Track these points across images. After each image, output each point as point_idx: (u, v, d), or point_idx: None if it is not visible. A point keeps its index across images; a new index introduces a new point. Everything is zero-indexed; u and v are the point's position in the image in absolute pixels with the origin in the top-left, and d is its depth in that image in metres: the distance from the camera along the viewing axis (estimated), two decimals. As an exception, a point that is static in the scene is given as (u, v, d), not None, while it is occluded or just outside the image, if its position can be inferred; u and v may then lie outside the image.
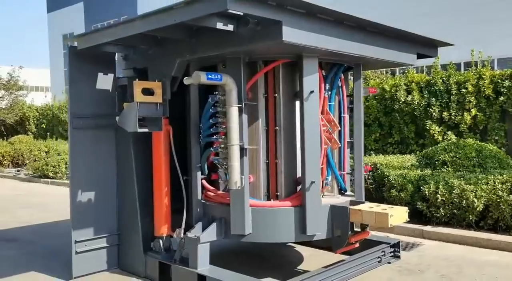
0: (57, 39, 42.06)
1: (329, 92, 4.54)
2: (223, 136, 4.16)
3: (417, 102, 9.51)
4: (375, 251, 4.94)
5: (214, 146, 4.26)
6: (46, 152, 15.39)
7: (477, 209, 6.04)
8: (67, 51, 4.64)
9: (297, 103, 4.37)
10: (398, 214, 4.10)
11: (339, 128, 4.57)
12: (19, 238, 6.58)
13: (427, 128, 9.43)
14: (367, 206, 4.27)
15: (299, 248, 5.66)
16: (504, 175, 6.26)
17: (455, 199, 6.20)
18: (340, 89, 4.68)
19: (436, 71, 9.60)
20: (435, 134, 9.36)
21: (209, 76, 3.82)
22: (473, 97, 9.14)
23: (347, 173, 4.77)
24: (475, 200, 6.02)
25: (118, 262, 4.99)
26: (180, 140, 4.76)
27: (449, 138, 9.15)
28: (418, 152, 9.09)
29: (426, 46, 5.11)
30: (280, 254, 5.49)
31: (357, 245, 4.53)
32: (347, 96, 4.78)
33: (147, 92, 4.36)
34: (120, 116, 4.42)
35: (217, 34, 3.88)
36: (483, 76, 9.12)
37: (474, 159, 6.98)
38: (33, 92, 30.38)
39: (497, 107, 9.04)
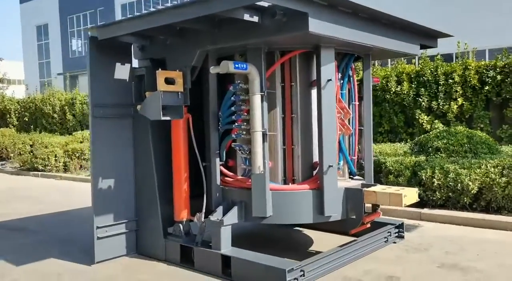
0: (30, 31, 41.13)
1: (341, 81, 4.78)
2: (245, 123, 4.35)
3: (407, 92, 9.86)
4: (382, 232, 5.23)
5: (236, 133, 4.44)
6: (31, 145, 15.21)
7: (472, 191, 6.41)
8: (88, 41, 4.73)
9: (313, 92, 4.59)
10: (411, 195, 4.39)
11: (351, 115, 4.82)
12: (26, 228, 6.63)
13: (416, 117, 9.80)
14: (380, 188, 4.54)
15: (306, 231, 5.91)
16: (495, 160, 6.65)
17: (450, 183, 6.56)
18: (351, 78, 4.92)
19: (425, 62, 9.96)
20: (423, 123, 9.74)
21: (236, 66, 4.00)
22: (459, 87, 9.54)
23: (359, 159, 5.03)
24: (470, 183, 6.39)
25: (136, 247, 5.14)
26: (196, 128, 4.92)
27: (436, 126, 9.54)
28: (408, 140, 9.46)
29: (428, 37, 5.39)
30: (290, 237, 5.73)
31: (368, 225, 4.80)
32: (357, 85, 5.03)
33: (168, 81, 4.50)
34: (143, 105, 4.55)
35: (240, 25, 4.06)
36: (469, 67, 9.52)
37: (466, 145, 7.35)
38: (14, 85, 29.63)
39: (482, 97, 9.46)
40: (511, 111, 9.20)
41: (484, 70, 9.41)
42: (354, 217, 4.59)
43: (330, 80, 4.34)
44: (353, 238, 5.00)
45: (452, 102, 9.59)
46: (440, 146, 7.49)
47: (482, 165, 6.57)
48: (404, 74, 10.05)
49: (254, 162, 4.23)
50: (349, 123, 4.81)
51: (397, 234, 5.46)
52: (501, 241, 5.39)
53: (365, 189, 4.50)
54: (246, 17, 3.77)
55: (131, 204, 5.11)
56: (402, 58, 10.10)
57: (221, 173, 4.76)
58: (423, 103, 9.74)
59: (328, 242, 5.35)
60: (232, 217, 4.46)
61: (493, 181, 6.31)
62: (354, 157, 4.99)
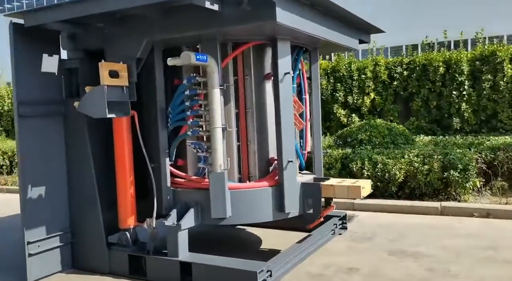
0: None
1: (292, 75, 4.70)
2: (201, 119, 4.08)
3: (325, 87, 10.18)
4: (329, 224, 5.29)
5: (192, 130, 4.14)
6: None
7: (398, 180, 6.79)
8: (10, 29, 4.07)
9: (267, 85, 4.46)
10: (367, 186, 4.47)
11: (303, 109, 4.77)
12: None
13: (334, 111, 10.18)
14: (335, 181, 4.56)
15: (250, 229, 5.77)
16: (415, 149, 7.13)
17: (379, 173, 6.89)
18: (301, 72, 4.87)
19: (339, 58, 10.37)
20: (341, 117, 10.14)
21: (198, 57, 3.71)
22: (371, 82, 10.09)
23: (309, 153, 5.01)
24: (397, 172, 6.76)
25: (72, 261, 4.58)
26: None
27: (353, 120, 10.00)
28: (327, 133, 9.78)
29: (364, 31, 5.54)
30: (236, 236, 5.55)
31: (322, 219, 4.81)
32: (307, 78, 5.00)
33: (111, 75, 4.05)
34: (82, 101, 4.04)
35: (195, 13, 3.79)
36: (378, 63, 10.11)
37: (387, 137, 7.78)
38: None
39: (391, 91, 10.12)
40: (416, 104, 9.95)
41: (392, 66, 10.06)
42: (311, 212, 4.55)
43: (288, 73, 4.24)
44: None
45: (365, 97, 10.11)
46: (364, 139, 7.83)
47: (405, 154, 6.99)
48: (321, 70, 10.36)
49: (215, 160, 3.98)
50: (300, 117, 4.76)
51: (341, 226, 5.57)
52: (432, 225, 5.76)
53: (322, 183, 4.49)
54: (207, 4, 3.51)
55: (64, 214, 4.54)
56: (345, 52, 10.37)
57: (171, 174, 4.42)
58: (339, 98, 10.13)
59: (276, 239, 5.29)
60: (189, 220, 4.16)
61: (417, 170, 6.74)
62: (304, 152, 4.96)
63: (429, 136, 9.12)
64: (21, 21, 4.10)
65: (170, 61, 3.86)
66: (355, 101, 10.13)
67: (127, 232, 4.39)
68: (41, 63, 4.32)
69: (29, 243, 4.19)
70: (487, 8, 14.44)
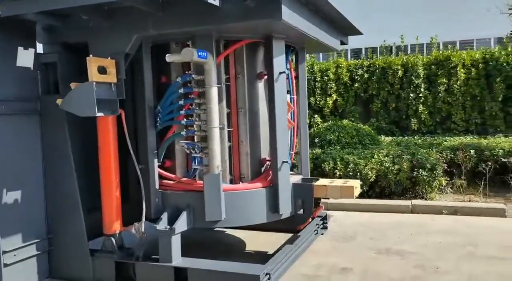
0: None
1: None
2: (197, 119, 3.92)
3: (288, 88, 10.23)
4: (313, 224, 5.28)
5: (186, 130, 3.98)
6: None
7: (370, 179, 6.94)
8: (-17, 18, 3.70)
9: (259, 85, 4.37)
10: (358, 186, 4.50)
11: (292, 109, 4.73)
12: None
13: (297, 112, 10.25)
14: (327, 182, 4.56)
15: (230, 231, 5.65)
16: (384, 149, 7.32)
17: (350, 173, 7.00)
18: (289, 72, 4.83)
19: (302, 60, 10.46)
20: (304, 117, 10.23)
21: (199, 54, 3.55)
22: (333, 84, 10.27)
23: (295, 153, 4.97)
24: (369, 172, 6.89)
25: (49, 271, 4.25)
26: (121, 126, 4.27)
27: (315, 121, 10.12)
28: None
29: (343, 33, 5.59)
30: (219, 239, 5.41)
31: (310, 219, 4.79)
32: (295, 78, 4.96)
33: (98, 71, 3.80)
34: (67, 99, 3.74)
35: (193, 9, 3.64)
36: (340, 66, 10.31)
37: (355, 137, 7.94)
38: None
39: (352, 93, 10.36)
40: (376, 106, 10.25)
41: (354, 69, 10.30)
42: (301, 212, 4.52)
43: (283, 72, 4.18)
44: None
45: (327, 98, 10.27)
46: (332, 139, 7.94)
47: (375, 154, 7.16)
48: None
49: (212, 161, 3.84)
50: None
51: (322, 226, 5.58)
52: (407, 223, 5.92)
53: (313, 183, 4.47)
54: (210, -1, 3.38)
55: (41, 219, 4.20)
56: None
57: (159, 175, 4.23)
58: (303, 99, 10.22)
59: (259, 240, 5.22)
60: (183, 224, 3.98)
61: (387, 169, 6.91)
62: (292, 152, 4.91)
63: (390, 137, 9.43)
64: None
65: (170, 57, 3.68)
66: (318, 102, 10.26)
67: (112, 238, 4.13)
68: (15, 57, 3.97)
69: (4, 252, 3.83)
70: (441, 14, 15.10)
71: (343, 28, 5.30)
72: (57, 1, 3.41)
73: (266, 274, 3.79)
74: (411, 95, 9.84)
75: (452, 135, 9.42)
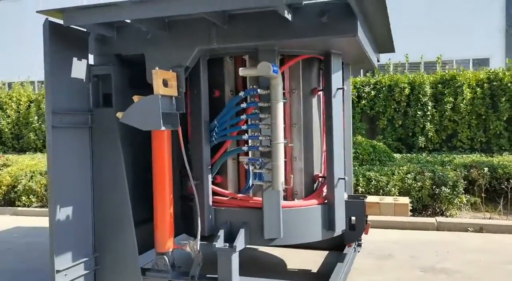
0: None
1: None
2: (260, 134, 3.86)
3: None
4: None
5: (249, 145, 3.90)
6: None
7: (393, 196, 6.94)
8: (46, 28, 3.56)
9: (314, 100, 4.34)
10: (409, 203, 4.48)
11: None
12: None
13: (306, 128, 10.25)
14: (378, 199, 4.52)
15: (261, 248, 5.54)
16: (404, 167, 7.36)
17: (372, 189, 7.00)
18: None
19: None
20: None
21: (274, 68, 3.50)
22: (341, 101, 10.33)
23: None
24: (392, 189, 6.91)
25: (95, 291, 4.06)
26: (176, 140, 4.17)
27: (324, 137, 10.14)
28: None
29: (379, 50, 5.63)
30: (256, 257, 5.29)
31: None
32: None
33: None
34: (129, 112, 3.61)
35: (259, 22, 3.61)
36: (348, 82, 10.39)
37: (372, 154, 7.97)
38: None
39: (359, 110, 10.45)
40: (382, 123, 10.35)
41: (361, 86, 10.40)
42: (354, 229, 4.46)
43: (341, 88, 4.16)
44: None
45: (336, 114, 10.31)
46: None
47: (395, 171, 7.19)
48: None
49: (276, 177, 3.76)
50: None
51: (357, 243, 5.53)
52: (436, 240, 5.93)
53: (366, 200, 4.43)
54: (285, 13, 3.35)
55: (89, 237, 4.03)
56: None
57: (213, 192, 4.12)
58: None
59: (297, 258, 5.15)
60: (242, 241, 3.87)
61: (410, 186, 6.94)
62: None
63: (398, 154, 9.51)
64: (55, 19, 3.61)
65: (243, 71, 3.61)
66: (326, 119, 10.30)
67: (165, 256, 3.98)
68: (70, 69, 3.84)
69: (58, 271, 3.65)
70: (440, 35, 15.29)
71: (379, 45, 5.34)
72: (133, 11, 3.31)
73: (329, 293, 3.71)
74: (419, 112, 9.98)
75: (458, 153, 9.58)
